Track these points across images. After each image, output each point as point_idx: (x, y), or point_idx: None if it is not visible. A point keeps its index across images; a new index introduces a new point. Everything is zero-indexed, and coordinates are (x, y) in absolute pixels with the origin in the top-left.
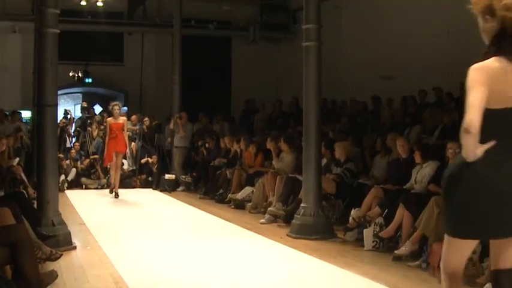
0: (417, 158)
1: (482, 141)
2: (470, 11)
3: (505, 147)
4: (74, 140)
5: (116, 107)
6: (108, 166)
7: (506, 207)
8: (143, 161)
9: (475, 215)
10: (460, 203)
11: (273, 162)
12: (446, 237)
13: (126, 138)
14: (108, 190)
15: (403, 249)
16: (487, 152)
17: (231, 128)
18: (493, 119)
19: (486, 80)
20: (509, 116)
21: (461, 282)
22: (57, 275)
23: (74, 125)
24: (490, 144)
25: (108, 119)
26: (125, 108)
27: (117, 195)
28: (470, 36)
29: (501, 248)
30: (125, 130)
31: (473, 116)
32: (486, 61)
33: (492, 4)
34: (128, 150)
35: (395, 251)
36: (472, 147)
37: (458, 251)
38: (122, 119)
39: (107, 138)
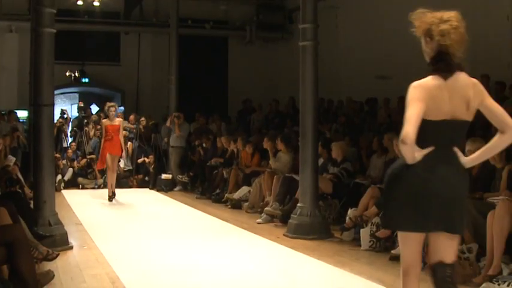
0: None
1: (422, 147)
2: (465, 11)
3: (439, 153)
4: (70, 139)
5: (112, 109)
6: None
7: (439, 205)
8: (140, 160)
9: (412, 211)
10: (397, 198)
11: (270, 162)
12: (399, 234)
13: (122, 140)
14: (103, 190)
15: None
16: (425, 157)
17: (228, 127)
18: (430, 128)
19: (424, 96)
20: (443, 127)
21: (417, 280)
22: (54, 275)
23: (70, 124)
24: (428, 150)
25: (104, 120)
26: (122, 108)
27: (113, 195)
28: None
29: (436, 240)
30: (121, 132)
31: (409, 129)
32: (424, 79)
33: (431, 29)
34: (123, 153)
35: (392, 251)
36: (410, 155)
37: (408, 246)
38: (118, 121)
39: (102, 140)
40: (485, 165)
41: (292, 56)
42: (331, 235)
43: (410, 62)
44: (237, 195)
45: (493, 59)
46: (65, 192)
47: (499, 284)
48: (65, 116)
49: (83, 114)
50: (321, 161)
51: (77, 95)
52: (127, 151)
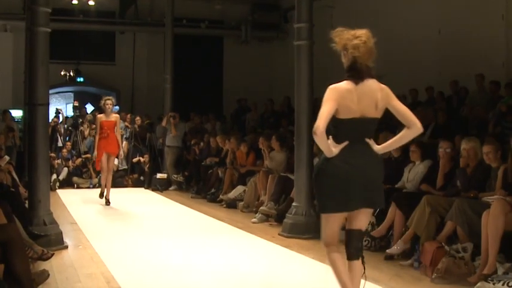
0: (415, 157)
1: (338, 142)
2: (460, 11)
3: (353, 146)
4: (65, 139)
5: (109, 102)
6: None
7: (358, 189)
8: (135, 160)
9: (336, 197)
10: (324, 187)
11: (265, 161)
12: (321, 216)
13: (119, 137)
14: (98, 189)
15: (395, 248)
16: (341, 150)
17: (223, 127)
18: (343, 126)
19: (336, 97)
20: (354, 124)
21: (336, 249)
22: (49, 275)
23: (65, 124)
24: (343, 144)
25: (99, 115)
26: (117, 107)
27: (108, 203)
28: (461, 36)
29: (354, 215)
30: (118, 129)
31: (319, 123)
32: (339, 83)
33: (346, 44)
34: (120, 151)
35: (387, 250)
36: (324, 145)
37: (329, 225)
38: (115, 117)
39: (97, 138)
40: (481, 164)
41: (288, 55)
42: None
43: (405, 61)
44: (232, 194)
45: (487, 58)
46: (59, 191)
47: (494, 283)
48: (60, 115)
49: (78, 114)
50: (316, 160)
51: (72, 94)
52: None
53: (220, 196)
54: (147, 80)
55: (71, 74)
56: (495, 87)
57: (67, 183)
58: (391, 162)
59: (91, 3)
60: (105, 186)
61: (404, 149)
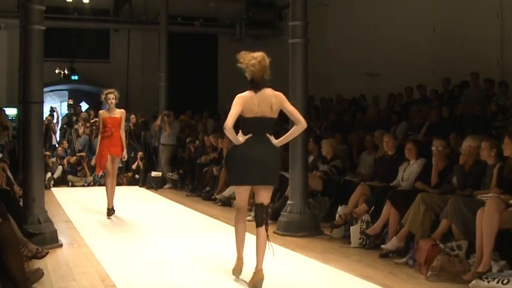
0: (411, 154)
1: (245, 133)
2: (454, 9)
3: (255, 137)
4: (59, 137)
5: (111, 96)
6: (102, 173)
7: (253, 169)
8: (134, 166)
9: (239, 172)
10: (231, 166)
11: None
12: (235, 187)
13: (124, 136)
14: (93, 188)
15: (389, 245)
16: (246, 140)
17: (217, 125)
18: (247, 123)
19: (241, 102)
20: (255, 121)
21: (246, 213)
22: (43, 273)
23: (60, 122)
24: (248, 136)
25: (101, 111)
26: None
27: (112, 211)
28: (455, 35)
29: (257, 191)
30: (123, 127)
31: (228, 121)
32: (244, 92)
33: (247, 64)
34: (124, 152)
35: (382, 245)
36: (234, 138)
37: (240, 194)
38: (119, 112)
39: (99, 137)
40: (478, 162)
41: (282, 53)
42: (321, 232)
43: (400, 59)
44: (226, 192)
45: (482, 56)
46: (54, 190)
47: (488, 281)
48: (55, 113)
49: (72, 112)
50: (310, 158)
51: (66, 92)
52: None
53: (215, 195)
54: (142, 78)
55: (66, 72)
56: (490, 85)
57: (62, 182)
58: (386, 160)
59: (85, 1)
60: (111, 197)
61: (399, 147)
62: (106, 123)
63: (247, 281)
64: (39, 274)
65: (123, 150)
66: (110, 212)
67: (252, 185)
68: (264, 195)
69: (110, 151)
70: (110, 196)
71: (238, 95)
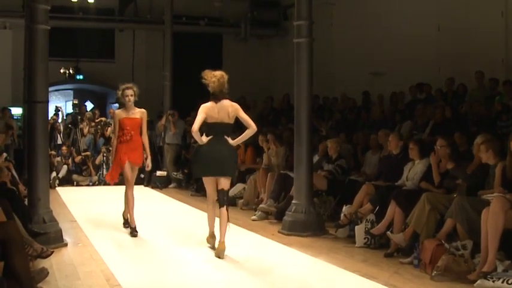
0: (414, 154)
1: (208, 135)
2: (459, 7)
3: (216, 139)
4: (63, 136)
5: (129, 92)
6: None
7: (213, 163)
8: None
9: (203, 167)
10: (196, 161)
11: (264, 157)
12: (203, 179)
13: (147, 141)
14: (98, 187)
15: (398, 236)
16: (208, 140)
17: None
18: (210, 127)
19: (205, 111)
20: (216, 125)
21: (215, 203)
22: (48, 273)
23: (65, 121)
24: (210, 137)
25: (117, 111)
26: (116, 105)
27: (135, 232)
28: (460, 33)
29: (219, 181)
30: (145, 129)
31: (194, 126)
32: (207, 103)
33: (209, 80)
34: (148, 160)
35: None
36: (199, 139)
37: (207, 186)
38: (140, 112)
39: (114, 142)
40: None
41: (287, 53)
42: (326, 232)
43: (404, 58)
44: (231, 192)
45: (486, 55)
46: (59, 189)
47: (493, 281)
48: (60, 113)
49: (77, 111)
50: (315, 158)
51: (71, 92)
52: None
53: None
54: (147, 78)
55: (71, 71)
56: (494, 84)
57: (67, 181)
58: (391, 160)
59: (90, 0)
60: (129, 208)
61: (404, 146)
62: (124, 125)
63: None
64: (44, 273)
65: (143, 158)
66: (133, 232)
67: (214, 176)
68: (225, 183)
69: (129, 158)
70: (131, 211)
71: (203, 105)
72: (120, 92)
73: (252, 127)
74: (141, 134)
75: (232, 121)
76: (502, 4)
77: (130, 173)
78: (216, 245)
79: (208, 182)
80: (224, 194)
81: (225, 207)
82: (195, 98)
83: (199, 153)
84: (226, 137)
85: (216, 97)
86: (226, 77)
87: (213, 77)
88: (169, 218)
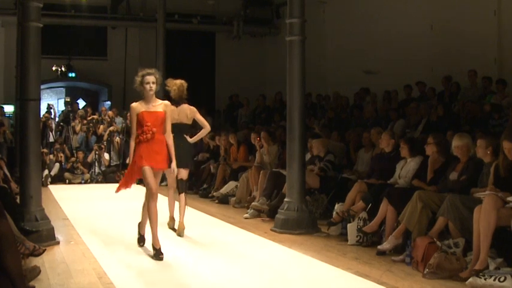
0: (404, 152)
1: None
2: (452, 7)
3: (177, 136)
4: (55, 134)
5: (150, 78)
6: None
7: (176, 157)
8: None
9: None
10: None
11: (258, 156)
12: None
13: (170, 140)
14: (90, 185)
15: (386, 244)
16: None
17: (214, 122)
18: (173, 126)
19: (171, 114)
20: (176, 125)
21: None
22: (40, 271)
23: (57, 119)
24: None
25: (134, 104)
26: (108, 102)
27: (160, 255)
28: (453, 32)
29: (179, 171)
30: (169, 126)
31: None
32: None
33: (171, 88)
34: (173, 165)
35: (379, 246)
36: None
37: (168, 175)
38: (163, 105)
39: (131, 142)
40: (472, 160)
41: (280, 50)
42: (318, 230)
43: (397, 57)
44: (224, 190)
45: (480, 54)
46: (51, 187)
47: (485, 279)
48: (52, 110)
49: (70, 109)
50: (308, 156)
51: (63, 89)
52: (113, 145)
53: (213, 193)
54: None
55: (63, 69)
56: (487, 83)
57: (59, 179)
58: (383, 158)
59: None
60: (152, 225)
61: (397, 145)
62: (144, 120)
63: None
64: (36, 272)
65: (167, 162)
66: (159, 254)
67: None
68: (183, 174)
69: (150, 162)
70: (155, 229)
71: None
72: (138, 79)
73: (206, 127)
74: (164, 131)
75: (190, 122)
76: (494, 3)
77: (153, 181)
78: (177, 226)
79: (169, 172)
80: (183, 182)
81: (183, 193)
82: (187, 96)
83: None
84: (185, 135)
85: (177, 102)
86: (185, 85)
87: (174, 85)
88: (161, 215)
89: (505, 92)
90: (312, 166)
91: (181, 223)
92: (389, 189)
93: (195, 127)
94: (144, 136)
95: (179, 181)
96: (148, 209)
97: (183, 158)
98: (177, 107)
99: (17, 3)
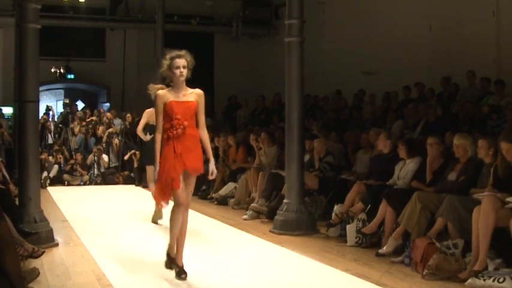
0: (402, 153)
1: (150, 134)
2: (451, 7)
3: (153, 136)
4: (54, 136)
5: (181, 62)
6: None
7: (150, 154)
8: (126, 157)
9: (146, 157)
10: (143, 154)
11: (258, 157)
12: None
13: (207, 136)
14: (89, 187)
15: (386, 248)
16: (151, 138)
17: (213, 124)
18: (151, 127)
19: (147, 116)
20: (153, 127)
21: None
22: (39, 273)
23: (56, 121)
24: (152, 136)
25: (161, 92)
26: (107, 104)
27: (183, 275)
28: (452, 32)
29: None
30: (203, 119)
31: (139, 127)
32: (149, 109)
33: (152, 93)
34: (212, 165)
35: (379, 250)
36: (143, 137)
37: (149, 170)
38: (195, 94)
39: (157, 138)
40: (471, 160)
41: (278, 51)
42: (317, 231)
43: (396, 58)
44: (223, 191)
45: (478, 54)
46: (50, 189)
47: (484, 280)
48: (50, 112)
49: (68, 111)
50: (306, 157)
51: (62, 91)
52: (112, 147)
53: (212, 194)
54: (138, 77)
55: (61, 70)
56: (486, 84)
57: (58, 181)
58: (382, 159)
59: None
60: (181, 238)
61: (395, 146)
62: (172, 112)
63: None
64: (35, 273)
65: (202, 162)
66: (181, 274)
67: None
68: (151, 170)
69: (183, 164)
70: (180, 245)
71: (145, 111)
72: (166, 63)
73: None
74: (197, 125)
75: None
76: (493, 4)
77: (183, 190)
78: (157, 214)
79: (150, 168)
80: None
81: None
82: None
83: (144, 148)
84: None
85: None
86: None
87: (154, 89)
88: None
89: (503, 92)
90: (311, 169)
91: (159, 211)
92: (388, 191)
93: None
94: (174, 132)
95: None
96: (171, 220)
97: (148, 154)
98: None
99: (15, 5)
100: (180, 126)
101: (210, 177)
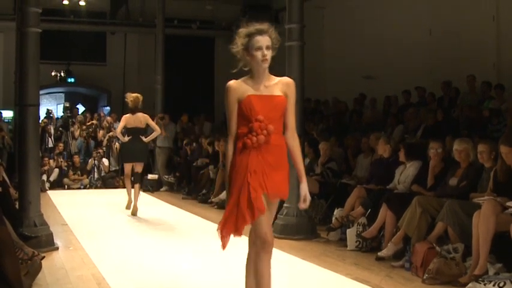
0: (402, 156)
1: (128, 136)
2: (450, 12)
3: (132, 138)
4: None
5: (264, 41)
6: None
7: (133, 153)
8: None
9: (125, 156)
10: (122, 153)
11: None
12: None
13: (297, 145)
14: (89, 190)
15: (386, 251)
16: (129, 139)
17: (214, 128)
18: (129, 130)
19: (126, 120)
20: (133, 130)
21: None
22: (41, 264)
23: (56, 124)
24: (130, 137)
25: (233, 84)
26: (108, 108)
27: None
28: (452, 37)
29: (135, 165)
30: (291, 119)
31: (118, 129)
32: (127, 114)
33: (128, 100)
34: (306, 192)
35: (378, 253)
36: (122, 138)
37: (126, 167)
38: (283, 84)
39: (229, 147)
40: (472, 165)
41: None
42: (317, 235)
43: (396, 62)
44: (223, 195)
45: (478, 59)
46: (50, 192)
47: (484, 284)
48: (51, 116)
49: (69, 114)
50: (306, 161)
51: (62, 95)
52: (113, 151)
53: (212, 198)
54: (138, 81)
55: (62, 74)
56: (486, 88)
57: (58, 184)
58: (382, 163)
59: (82, 3)
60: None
61: (396, 150)
62: (251, 111)
63: None
64: (36, 264)
65: (287, 188)
66: None
67: (132, 162)
68: (138, 167)
69: (264, 186)
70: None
71: (124, 116)
72: (241, 41)
73: (157, 130)
74: (284, 129)
75: (144, 126)
76: (493, 8)
77: (266, 223)
78: (131, 208)
79: (127, 166)
80: (137, 175)
81: (138, 184)
82: (186, 101)
83: (124, 148)
84: (140, 136)
85: (132, 110)
86: (140, 98)
87: (130, 97)
88: (160, 221)
89: (503, 96)
90: (311, 174)
91: (135, 206)
92: (388, 195)
93: (147, 131)
94: (254, 139)
95: (135, 174)
96: (256, 268)
97: (139, 154)
98: (132, 114)
99: (15, 9)
100: (263, 132)
101: (302, 206)
